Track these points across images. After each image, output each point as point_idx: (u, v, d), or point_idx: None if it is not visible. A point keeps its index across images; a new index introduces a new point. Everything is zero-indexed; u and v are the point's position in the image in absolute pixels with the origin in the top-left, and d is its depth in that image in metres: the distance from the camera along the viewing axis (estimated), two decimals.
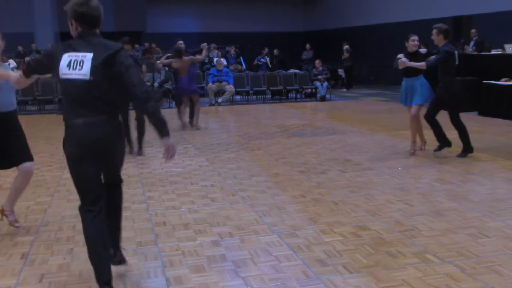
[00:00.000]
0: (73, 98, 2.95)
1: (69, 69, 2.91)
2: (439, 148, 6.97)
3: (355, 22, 21.06)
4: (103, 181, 3.16)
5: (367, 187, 5.53)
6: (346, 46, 17.92)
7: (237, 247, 3.94)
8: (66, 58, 2.94)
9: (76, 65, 2.90)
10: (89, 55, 2.90)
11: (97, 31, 3.07)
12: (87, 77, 2.87)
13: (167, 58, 11.00)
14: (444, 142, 6.90)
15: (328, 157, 7.09)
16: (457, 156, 6.86)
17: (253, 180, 5.93)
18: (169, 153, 3.00)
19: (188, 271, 3.50)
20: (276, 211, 4.77)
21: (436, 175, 5.99)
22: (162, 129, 2.95)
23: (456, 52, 6.74)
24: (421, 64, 6.57)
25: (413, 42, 6.85)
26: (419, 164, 6.57)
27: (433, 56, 6.66)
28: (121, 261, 3.43)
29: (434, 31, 6.68)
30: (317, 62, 16.28)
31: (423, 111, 6.90)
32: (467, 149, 6.88)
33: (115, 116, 3.06)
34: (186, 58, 9.68)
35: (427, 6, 17.18)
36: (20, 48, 18.03)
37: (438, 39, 6.66)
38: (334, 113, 12.07)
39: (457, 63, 6.80)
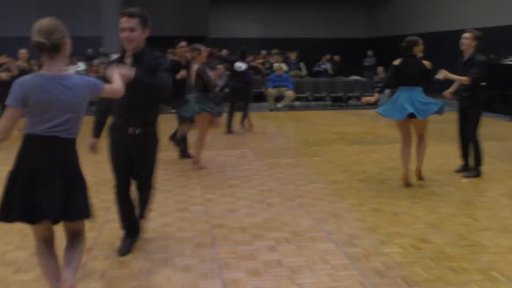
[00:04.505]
0: None
1: None
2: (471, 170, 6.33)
3: (419, 29, 20.53)
4: None
5: (428, 199, 5.36)
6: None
7: (293, 253, 3.92)
8: None
9: None
10: None
11: None
12: None
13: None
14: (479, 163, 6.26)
15: (388, 166, 6.93)
16: (466, 176, 6.25)
17: (311, 186, 5.89)
18: None
19: (244, 275, 3.52)
20: (334, 219, 4.71)
21: (503, 189, 5.73)
22: None
23: None
24: (463, 79, 5.96)
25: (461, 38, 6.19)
26: (485, 177, 6.29)
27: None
28: None
29: (470, 35, 6.06)
30: (380, 69, 16.01)
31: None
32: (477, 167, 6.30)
33: None
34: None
35: (495, 13, 16.52)
36: (89, 51, 18.80)
37: (471, 45, 6.07)
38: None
39: None
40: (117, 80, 3.09)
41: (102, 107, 3.85)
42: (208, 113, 6.55)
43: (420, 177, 5.89)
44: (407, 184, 5.81)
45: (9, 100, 2.67)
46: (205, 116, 6.60)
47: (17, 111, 2.68)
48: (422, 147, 5.86)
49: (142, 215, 4.07)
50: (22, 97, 2.66)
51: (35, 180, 2.72)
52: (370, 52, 19.39)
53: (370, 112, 14.15)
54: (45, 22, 2.72)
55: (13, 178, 2.74)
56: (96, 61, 16.62)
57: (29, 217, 2.75)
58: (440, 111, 5.62)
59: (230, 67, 10.27)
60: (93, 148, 3.88)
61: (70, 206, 2.78)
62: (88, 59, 17.73)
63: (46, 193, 2.72)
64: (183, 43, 7.08)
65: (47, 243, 2.92)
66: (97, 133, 3.86)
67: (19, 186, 2.72)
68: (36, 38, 2.67)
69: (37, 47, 2.69)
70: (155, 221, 4.63)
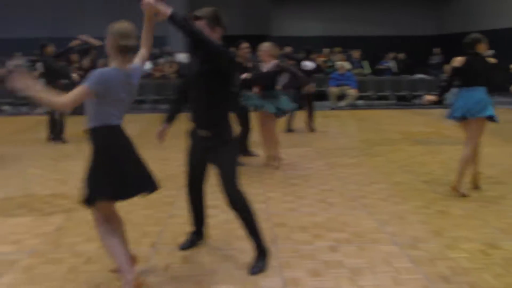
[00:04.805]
0: None
1: None
2: None
3: (485, 26, 19.67)
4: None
5: (499, 203, 5.14)
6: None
7: (355, 254, 3.87)
8: None
9: None
10: None
11: None
12: None
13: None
14: None
15: (455, 167, 6.67)
16: None
17: (374, 187, 5.79)
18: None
19: (304, 274, 3.51)
20: (397, 221, 4.61)
21: None
22: None
23: None
24: None
25: None
26: None
27: None
28: None
29: None
30: (446, 67, 15.48)
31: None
32: None
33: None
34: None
35: None
36: (154, 51, 19.32)
37: None
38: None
39: None
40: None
41: (177, 100, 3.87)
42: (263, 111, 6.57)
43: (456, 191, 5.36)
44: (475, 187, 5.58)
45: (87, 82, 2.88)
46: (260, 114, 6.68)
47: (89, 93, 2.89)
48: (463, 155, 5.36)
49: (259, 249, 3.66)
50: (100, 84, 2.89)
51: (118, 165, 3.01)
52: (436, 50, 18.75)
53: (436, 111, 13.72)
54: (128, 27, 3.01)
55: (97, 165, 3.00)
56: (161, 60, 17.07)
57: (119, 198, 3.10)
58: (487, 115, 5.23)
59: (297, 66, 10.17)
60: (160, 135, 3.82)
61: (148, 181, 3.17)
62: (153, 58, 18.23)
63: (130, 174, 3.06)
64: (245, 45, 7.12)
65: (110, 224, 3.17)
66: (167, 120, 3.81)
67: (105, 172, 2.99)
68: (127, 42, 2.94)
69: (128, 50, 2.98)
70: (217, 217, 4.70)
